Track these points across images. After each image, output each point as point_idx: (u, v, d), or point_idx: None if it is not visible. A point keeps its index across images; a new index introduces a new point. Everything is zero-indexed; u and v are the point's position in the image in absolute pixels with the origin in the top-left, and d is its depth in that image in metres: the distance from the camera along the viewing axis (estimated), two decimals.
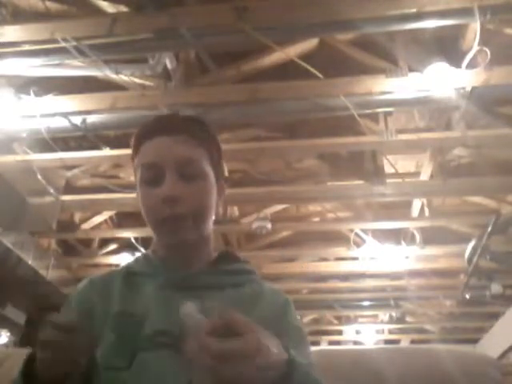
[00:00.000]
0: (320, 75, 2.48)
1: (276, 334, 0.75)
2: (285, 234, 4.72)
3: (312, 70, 2.45)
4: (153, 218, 0.83)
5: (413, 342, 7.22)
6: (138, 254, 0.97)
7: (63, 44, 2.29)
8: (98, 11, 2.64)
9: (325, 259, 5.01)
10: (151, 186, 0.83)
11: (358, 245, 4.33)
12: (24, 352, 0.70)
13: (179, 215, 0.81)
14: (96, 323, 0.80)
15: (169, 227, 0.82)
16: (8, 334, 4.63)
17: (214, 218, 0.89)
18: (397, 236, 4.23)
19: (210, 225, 0.88)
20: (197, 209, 0.83)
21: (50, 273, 4.35)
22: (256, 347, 0.60)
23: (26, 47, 2.37)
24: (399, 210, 4.03)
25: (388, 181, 3.36)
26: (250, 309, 0.81)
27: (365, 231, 4.20)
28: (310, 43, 2.91)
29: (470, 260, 4.03)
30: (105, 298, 0.84)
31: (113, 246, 4.76)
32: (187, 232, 0.83)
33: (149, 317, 0.78)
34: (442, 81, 2.44)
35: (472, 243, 3.92)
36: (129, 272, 0.88)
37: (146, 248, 3.74)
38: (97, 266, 4.79)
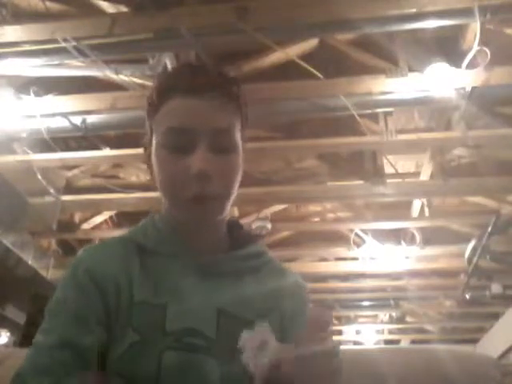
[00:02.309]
0: (320, 75, 2.48)
1: (292, 323, 0.74)
2: (285, 234, 4.72)
3: (312, 70, 2.45)
4: (177, 194, 0.71)
5: (413, 342, 7.22)
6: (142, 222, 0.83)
7: (63, 44, 2.29)
8: (98, 11, 2.64)
9: (325, 259, 5.01)
10: (177, 153, 0.70)
11: (358, 245, 4.33)
12: (24, 352, 0.70)
13: (209, 194, 0.69)
14: (112, 310, 0.69)
15: (196, 207, 0.70)
16: (8, 334, 4.63)
17: None
18: (397, 236, 4.23)
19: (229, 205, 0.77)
20: (225, 188, 0.72)
21: (50, 273, 4.35)
22: None
23: (26, 47, 2.37)
24: (399, 210, 4.03)
25: (388, 181, 3.36)
26: (273, 302, 0.76)
27: (365, 231, 4.20)
28: (310, 43, 2.91)
29: (470, 260, 4.03)
30: (123, 280, 0.70)
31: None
32: (215, 214, 0.73)
33: (170, 309, 0.68)
34: (442, 81, 2.44)
35: (472, 243, 3.92)
36: (141, 249, 0.75)
37: None
38: None
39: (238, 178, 0.75)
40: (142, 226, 0.81)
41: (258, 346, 0.56)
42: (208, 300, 0.70)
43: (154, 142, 0.74)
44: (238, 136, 0.74)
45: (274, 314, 0.74)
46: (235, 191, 0.75)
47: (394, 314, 6.43)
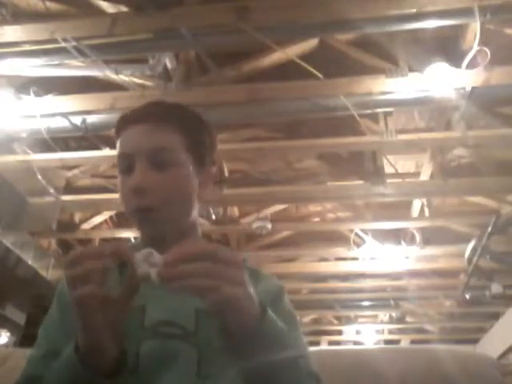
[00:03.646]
0: (320, 75, 2.48)
1: None
2: (285, 234, 4.72)
3: (312, 70, 2.45)
4: (126, 209, 0.81)
5: (413, 342, 7.22)
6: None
7: (63, 44, 2.29)
8: (98, 11, 2.64)
9: (325, 259, 5.01)
10: (125, 175, 0.81)
11: (358, 245, 4.33)
12: (24, 352, 0.70)
13: (148, 207, 0.78)
14: None
15: (139, 219, 0.80)
16: (8, 334, 4.63)
17: (196, 207, 0.86)
18: (397, 236, 4.23)
19: (192, 215, 0.85)
20: (169, 199, 0.80)
21: (50, 273, 4.35)
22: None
23: (26, 47, 2.37)
24: (399, 210, 4.03)
25: (388, 181, 3.36)
26: None
27: (365, 231, 4.20)
28: (310, 43, 2.91)
29: (470, 260, 4.03)
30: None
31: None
32: (160, 224, 0.80)
33: (149, 309, 0.76)
34: (442, 81, 2.44)
35: (472, 243, 3.92)
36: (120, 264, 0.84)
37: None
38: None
39: (185, 191, 0.82)
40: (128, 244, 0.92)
41: (145, 256, 0.59)
42: (186, 301, 0.74)
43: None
44: (179, 153, 0.82)
45: None
46: (185, 204, 0.83)
47: (393, 314, 6.43)
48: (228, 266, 0.58)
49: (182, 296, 0.70)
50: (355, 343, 7.31)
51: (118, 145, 0.84)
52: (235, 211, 4.24)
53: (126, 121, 0.84)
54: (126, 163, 0.81)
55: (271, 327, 0.64)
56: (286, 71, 2.81)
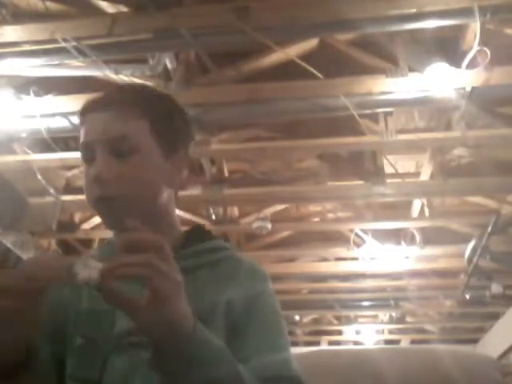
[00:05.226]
0: (320, 75, 2.48)
1: (246, 316, 0.75)
2: (285, 234, 4.72)
3: (312, 70, 2.45)
4: (88, 200, 0.78)
5: (413, 342, 7.22)
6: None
7: (63, 44, 2.29)
8: (98, 11, 2.64)
9: (325, 259, 5.01)
10: (86, 165, 0.78)
11: (358, 245, 4.33)
12: None
13: (108, 197, 0.75)
14: (61, 321, 0.75)
15: (101, 210, 0.77)
16: None
17: (166, 194, 0.81)
18: (397, 236, 4.23)
19: (159, 203, 0.81)
20: (130, 188, 0.76)
21: None
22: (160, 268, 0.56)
23: (26, 47, 2.37)
24: (399, 210, 4.03)
25: (388, 181, 3.36)
26: (223, 287, 0.78)
27: (365, 231, 4.20)
28: (310, 43, 2.91)
29: (470, 260, 4.03)
30: (72, 292, 0.78)
31: None
32: (122, 214, 0.73)
33: (118, 315, 0.71)
34: (442, 81, 2.43)
35: (472, 243, 3.92)
36: None
37: None
38: None
39: (149, 178, 0.78)
40: (103, 244, 0.91)
41: (84, 262, 0.56)
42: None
43: None
44: (141, 139, 0.78)
45: (225, 304, 0.76)
46: (152, 192, 0.79)
47: (393, 314, 6.43)
48: (165, 261, 0.57)
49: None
50: (355, 343, 7.30)
51: (80, 134, 0.81)
52: (235, 211, 4.23)
53: (88, 109, 0.81)
54: (88, 153, 0.78)
55: (203, 344, 0.60)
56: (286, 71, 2.81)
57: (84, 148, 0.79)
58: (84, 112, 0.81)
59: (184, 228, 0.90)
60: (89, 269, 0.55)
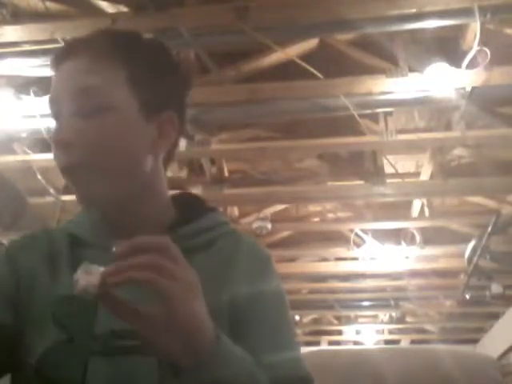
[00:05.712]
0: (320, 75, 2.48)
1: (250, 310, 0.65)
2: (285, 234, 4.72)
3: (312, 70, 2.45)
4: (58, 168, 0.65)
5: (413, 342, 7.22)
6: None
7: (63, 44, 2.29)
8: (98, 11, 2.64)
9: (325, 259, 5.01)
10: (56, 125, 0.65)
11: (358, 245, 4.33)
12: None
13: (75, 164, 0.62)
14: (30, 296, 0.63)
15: (69, 180, 0.64)
16: None
17: (154, 165, 0.67)
18: (397, 236, 4.23)
19: (142, 170, 0.66)
20: (100, 153, 0.62)
21: None
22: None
23: (26, 47, 2.37)
24: (399, 210, 4.03)
25: (388, 181, 3.36)
26: (223, 276, 0.67)
27: (365, 231, 4.20)
28: (310, 43, 2.91)
29: (470, 260, 4.03)
30: (47, 270, 0.65)
31: None
32: (97, 186, 0.63)
33: (101, 312, 0.60)
34: (442, 81, 2.43)
35: (472, 243, 3.92)
36: (73, 238, 0.68)
37: None
38: None
39: (117, 140, 0.63)
40: (79, 215, 0.75)
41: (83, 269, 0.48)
42: (140, 301, 0.56)
43: None
44: (113, 93, 0.63)
45: (227, 298, 0.65)
46: (130, 158, 0.65)
47: (393, 314, 6.43)
48: (172, 261, 0.49)
49: (139, 292, 0.55)
50: (355, 343, 7.31)
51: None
52: (235, 211, 4.23)
53: (58, 57, 0.66)
54: (54, 109, 0.65)
55: (228, 361, 0.52)
56: (286, 71, 2.81)
57: (50, 105, 0.66)
58: (54, 61, 0.66)
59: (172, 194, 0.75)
60: (89, 275, 0.48)
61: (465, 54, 2.36)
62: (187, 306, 0.48)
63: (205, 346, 0.49)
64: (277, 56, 2.83)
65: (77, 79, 0.63)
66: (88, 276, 0.47)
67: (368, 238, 4.20)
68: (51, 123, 2.64)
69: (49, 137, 0.64)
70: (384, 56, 2.70)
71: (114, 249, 0.48)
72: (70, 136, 0.61)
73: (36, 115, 2.71)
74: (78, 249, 0.67)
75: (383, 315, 6.63)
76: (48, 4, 2.63)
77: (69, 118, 0.62)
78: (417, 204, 3.91)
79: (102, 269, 0.48)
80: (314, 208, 4.61)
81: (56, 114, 0.65)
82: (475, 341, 6.63)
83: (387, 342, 7.19)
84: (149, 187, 0.68)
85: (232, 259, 0.69)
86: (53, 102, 0.65)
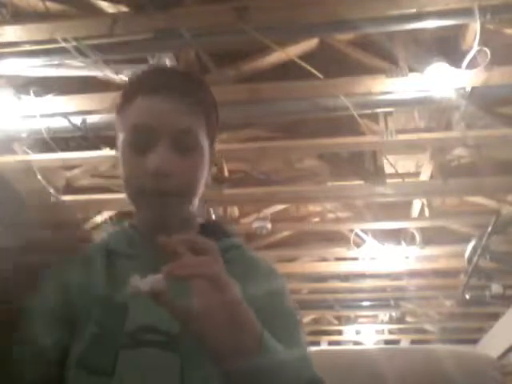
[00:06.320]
0: (320, 75, 2.48)
1: (265, 317, 0.69)
2: (285, 234, 4.72)
3: (312, 70, 2.45)
4: (134, 190, 0.73)
5: (413, 342, 7.22)
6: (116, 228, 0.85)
7: (63, 44, 2.29)
8: (98, 11, 2.64)
9: (325, 259, 5.01)
10: (138, 151, 0.71)
11: (358, 245, 4.33)
12: None
13: (166, 191, 0.70)
14: (74, 306, 0.70)
15: (152, 203, 0.72)
16: None
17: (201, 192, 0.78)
18: (397, 236, 4.23)
19: (197, 202, 0.78)
20: (186, 186, 0.73)
21: None
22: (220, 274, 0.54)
23: (26, 47, 2.37)
24: (399, 210, 4.03)
25: (388, 181, 3.36)
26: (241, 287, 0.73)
27: (365, 231, 4.20)
28: (310, 43, 2.90)
29: (470, 260, 4.03)
30: (85, 279, 0.72)
31: None
32: (171, 211, 0.72)
33: (132, 309, 0.68)
34: (442, 81, 2.43)
35: (472, 243, 3.92)
36: (109, 252, 0.77)
37: None
38: None
39: (201, 177, 0.75)
40: (116, 230, 0.84)
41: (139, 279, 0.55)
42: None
43: (119, 140, 0.76)
44: (201, 137, 0.74)
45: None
46: (198, 191, 0.75)
47: (393, 314, 6.43)
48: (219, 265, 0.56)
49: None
50: (355, 343, 7.31)
51: (130, 113, 0.73)
52: (235, 211, 4.23)
53: (147, 87, 0.73)
54: (143, 138, 0.71)
55: (269, 348, 0.58)
56: (286, 71, 2.81)
57: (140, 131, 0.72)
58: (138, 90, 0.73)
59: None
60: (145, 281, 0.54)
61: (465, 54, 2.36)
62: (240, 303, 0.56)
63: (255, 339, 0.56)
64: (277, 56, 2.83)
65: (177, 120, 0.72)
66: (143, 281, 0.54)
67: (368, 238, 4.20)
68: (51, 123, 2.63)
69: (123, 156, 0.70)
70: (384, 56, 2.70)
71: (159, 243, 0.55)
72: (168, 168, 0.70)
73: (36, 115, 2.71)
74: (112, 259, 0.76)
75: (383, 315, 6.63)
76: (48, 4, 2.63)
77: (167, 152, 0.70)
78: (417, 204, 3.91)
79: (154, 276, 0.54)
80: (313, 208, 4.61)
81: (145, 142, 0.71)
82: (475, 341, 6.62)
83: (387, 342, 7.19)
84: (193, 212, 0.79)
85: (249, 275, 0.76)
86: (145, 131, 0.71)
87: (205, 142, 0.75)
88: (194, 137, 0.73)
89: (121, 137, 0.75)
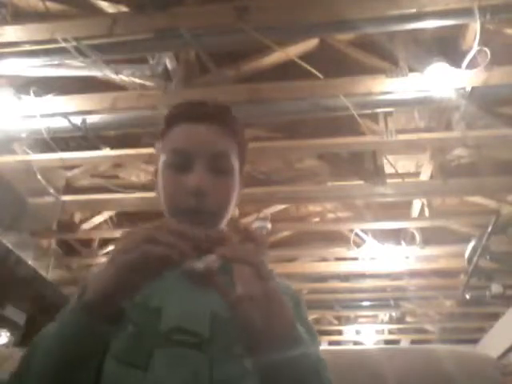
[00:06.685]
0: (320, 75, 2.48)
1: None
2: (285, 233, 4.72)
3: (312, 70, 2.45)
4: (174, 207, 0.80)
5: (413, 342, 7.22)
6: None
7: (63, 44, 2.29)
8: (98, 11, 2.64)
9: (325, 259, 5.01)
10: (177, 172, 0.80)
11: (358, 245, 4.33)
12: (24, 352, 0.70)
13: (203, 209, 0.78)
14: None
15: (190, 220, 0.77)
16: (8, 334, 4.63)
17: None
18: (397, 236, 4.23)
19: (226, 221, 0.86)
20: (220, 206, 0.81)
21: (50, 273, 4.35)
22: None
23: (26, 47, 2.37)
24: (399, 210, 4.03)
25: (388, 181, 3.36)
26: None
27: (365, 231, 4.20)
28: (310, 43, 2.91)
29: (470, 260, 4.03)
30: None
31: (113, 247, 4.75)
32: (208, 227, 0.77)
33: (164, 312, 0.75)
34: (442, 81, 2.44)
35: (472, 243, 3.92)
36: None
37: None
38: (97, 266, 4.78)
39: (233, 198, 0.84)
40: None
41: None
42: (202, 304, 0.75)
43: (160, 162, 0.84)
44: (234, 160, 0.83)
45: None
46: (230, 210, 0.84)
47: (393, 314, 6.43)
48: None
49: (199, 297, 0.76)
50: (355, 343, 7.30)
51: (169, 138, 0.83)
52: (235, 211, 4.23)
53: (185, 116, 0.83)
54: (182, 160, 0.80)
55: (299, 336, 0.64)
56: (286, 71, 2.81)
57: (179, 155, 0.80)
58: (178, 118, 0.83)
59: None
60: (200, 261, 0.62)
61: (465, 54, 2.36)
62: (279, 291, 0.63)
63: (289, 325, 0.63)
64: (277, 56, 2.83)
65: (216, 143, 0.81)
66: (198, 261, 0.62)
67: (368, 238, 4.20)
68: (51, 123, 2.63)
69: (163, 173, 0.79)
70: (384, 56, 2.70)
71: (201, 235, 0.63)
72: (206, 187, 0.77)
73: (36, 115, 2.71)
74: None
75: (383, 315, 6.63)
76: (48, 4, 2.63)
77: (205, 173, 0.78)
78: (417, 204, 3.91)
79: (208, 256, 0.62)
80: (313, 208, 4.61)
81: (183, 164, 0.80)
82: (475, 341, 6.62)
83: (387, 342, 7.18)
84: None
85: None
86: (183, 154, 0.80)
87: (236, 166, 0.84)
88: (227, 160, 0.82)
89: (162, 158, 0.84)
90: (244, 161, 0.89)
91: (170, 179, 0.81)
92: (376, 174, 3.38)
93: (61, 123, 2.77)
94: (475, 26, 2.18)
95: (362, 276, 4.97)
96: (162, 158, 0.83)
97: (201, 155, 0.79)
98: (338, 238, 4.61)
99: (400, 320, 6.53)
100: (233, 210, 0.85)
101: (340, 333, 7.26)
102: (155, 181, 0.87)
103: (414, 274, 4.80)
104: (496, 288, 4.61)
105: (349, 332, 7.18)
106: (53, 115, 2.75)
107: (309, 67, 2.44)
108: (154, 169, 0.89)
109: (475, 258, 3.96)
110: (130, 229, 0.66)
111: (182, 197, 0.78)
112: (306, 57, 2.65)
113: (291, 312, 0.65)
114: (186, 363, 0.71)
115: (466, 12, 2.10)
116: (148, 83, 2.80)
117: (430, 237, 4.21)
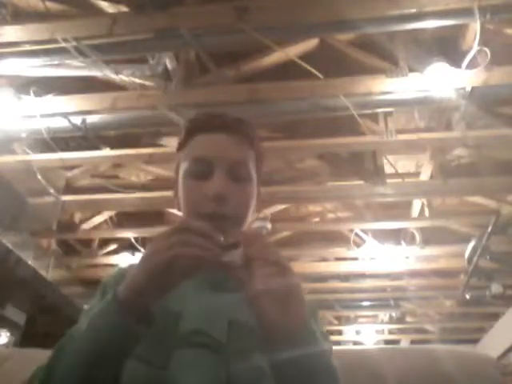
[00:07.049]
0: (320, 75, 2.48)
1: None
2: (285, 234, 4.72)
3: (312, 70, 2.45)
4: (195, 212, 0.82)
5: (413, 342, 7.22)
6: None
7: (63, 44, 2.29)
8: (98, 11, 2.64)
9: (325, 259, 5.01)
10: (199, 179, 0.83)
11: (358, 245, 4.33)
12: (24, 352, 0.70)
13: (223, 214, 0.81)
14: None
15: (211, 224, 0.78)
16: (8, 334, 4.63)
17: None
18: (397, 236, 4.23)
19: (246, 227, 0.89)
20: (240, 212, 0.84)
21: (50, 273, 4.35)
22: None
23: (26, 47, 2.37)
24: (399, 210, 4.03)
25: (388, 181, 3.36)
26: None
27: (365, 231, 4.20)
28: (310, 43, 2.91)
29: (470, 260, 4.03)
30: None
31: (113, 246, 4.75)
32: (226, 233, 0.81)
33: (185, 315, 0.77)
34: (442, 81, 2.44)
35: (472, 243, 3.92)
36: None
37: (146, 248, 3.74)
38: (97, 266, 4.78)
39: (251, 205, 0.87)
40: None
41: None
42: (221, 309, 0.79)
43: (180, 171, 0.88)
44: (252, 168, 0.87)
45: None
46: (249, 216, 0.87)
47: (393, 314, 6.43)
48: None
49: (217, 303, 0.80)
50: (355, 343, 7.30)
51: (190, 147, 0.86)
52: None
53: (205, 125, 0.87)
54: (203, 168, 0.83)
55: (313, 335, 0.67)
56: (286, 71, 2.81)
57: (200, 162, 0.84)
58: (198, 128, 0.87)
59: None
60: (227, 254, 0.66)
61: (465, 54, 2.36)
62: (298, 287, 0.67)
63: (303, 321, 0.66)
64: (277, 56, 2.83)
65: (235, 151, 0.85)
66: (225, 254, 0.66)
67: (368, 238, 4.20)
68: (51, 123, 2.64)
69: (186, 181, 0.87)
70: (384, 56, 2.70)
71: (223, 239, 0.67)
72: (226, 193, 0.80)
73: (36, 115, 2.71)
74: None
75: (383, 315, 6.63)
76: (48, 4, 2.63)
77: (225, 179, 0.82)
78: (417, 204, 3.91)
79: (234, 250, 0.67)
80: (313, 208, 4.61)
81: (204, 171, 0.83)
82: (475, 341, 6.62)
83: (387, 342, 7.18)
84: None
85: None
86: (204, 162, 0.83)
87: (254, 174, 0.87)
88: (246, 168, 0.85)
89: (182, 167, 0.87)
90: (261, 169, 0.92)
91: (191, 186, 0.84)
92: (376, 174, 3.38)
93: (61, 123, 2.77)
94: (475, 26, 2.18)
95: (362, 276, 4.97)
96: (183, 167, 0.86)
97: (221, 163, 0.82)
98: (338, 238, 4.60)
99: (400, 320, 6.53)
100: (252, 217, 0.89)
101: (340, 333, 7.26)
102: (174, 188, 0.91)
103: (413, 274, 4.80)
104: (496, 288, 4.61)
105: (349, 332, 7.18)
106: (53, 115, 2.75)
107: (309, 67, 2.44)
108: (174, 181, 0.93)
109: (475, 258, 3.96)
110: (160, 232, 0.68)
111: (203, 202, 0.81)
112: (306, 57, 2.65)
113: (305, 308, 0.67)
114: (204, 364, 0.73)
115: (466, 12, 2.10)
116: (148, 83, 2.80)
117: (430, 237, 4.21)
